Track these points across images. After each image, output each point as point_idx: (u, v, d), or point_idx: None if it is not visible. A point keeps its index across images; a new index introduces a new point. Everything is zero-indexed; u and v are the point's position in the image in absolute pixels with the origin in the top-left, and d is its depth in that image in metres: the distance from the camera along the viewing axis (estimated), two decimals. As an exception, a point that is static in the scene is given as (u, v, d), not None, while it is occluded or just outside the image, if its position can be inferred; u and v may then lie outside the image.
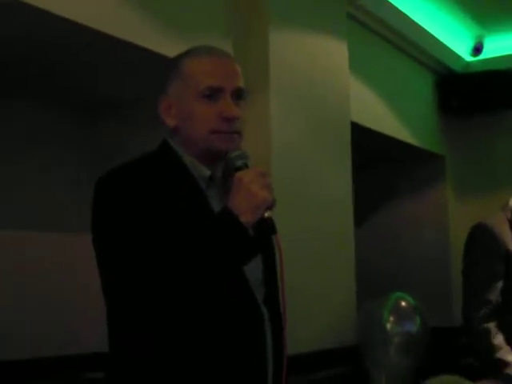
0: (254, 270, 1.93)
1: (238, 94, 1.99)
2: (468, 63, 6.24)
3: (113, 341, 1.91)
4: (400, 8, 5.16)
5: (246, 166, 1.92)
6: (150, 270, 1.74)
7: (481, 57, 6.14)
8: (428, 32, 5.60)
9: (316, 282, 3.97)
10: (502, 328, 3.30)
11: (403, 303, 3.95)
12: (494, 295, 3.33)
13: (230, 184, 1.93)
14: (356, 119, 4.69)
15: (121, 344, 1.88)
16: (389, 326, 3.84)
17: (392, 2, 5.05)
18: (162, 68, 2.08)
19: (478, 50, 6.07)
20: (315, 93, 4.17)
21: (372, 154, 5.84)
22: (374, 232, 6.24)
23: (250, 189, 1.82)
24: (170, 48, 3.34)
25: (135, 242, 1.77)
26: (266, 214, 1.84)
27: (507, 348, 3.26)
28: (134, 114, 4.31)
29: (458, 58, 6.15)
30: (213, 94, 1.94)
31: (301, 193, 3.96)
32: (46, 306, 4.04)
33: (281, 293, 1.93)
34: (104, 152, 4.35)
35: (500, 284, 3.34)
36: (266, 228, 1.85)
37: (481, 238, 3.44)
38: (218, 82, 1.95)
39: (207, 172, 1.97)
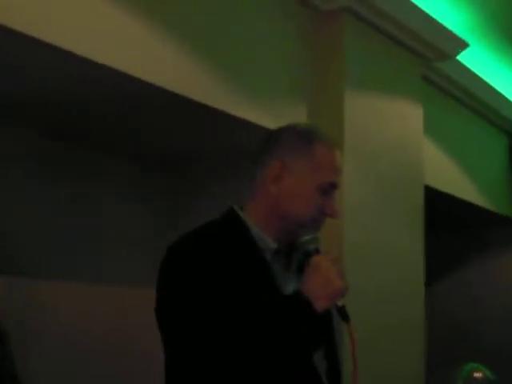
0: None
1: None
2: (543, 127, 6.15)
3: None
4: (474, 70, 5.15)
5: (317, 250, 1.93)
6: (217, 350, 1.73)
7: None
8: (504, 96, 5.59)
9: (384, 342, 3.90)
10: None
11: (478, 374, 3.84)
12: None
13: (294, 263, 1.98)
14: (430, 182, 4.65)
15: None
16: (463, 398, 3.75)
17: (467, 65, 5.04)
18: (272, 132, 2.09)
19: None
20: (388, 156, 4.15)
21: (446, 216, 5.77)
22: (451, 291, 6.15)
23: (327, 276, 1.83)
24: (243, 110, 3.38)
25: (203, 321, 1.75)
26: (340, 303, 1.84)
27: None
28: (198, 171, 4.37)
29: (533, 120, 6.07)
30: (329, 188, 1.98)
31: (372, 256, 3.92)
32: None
33: (352, 380, 1.90)
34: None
35: None
36: (340, 316, 1.86)
37: None
38: (337, 179, 2.00)
39: (274, 245, 1.96)
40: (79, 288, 3.92)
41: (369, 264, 3.87)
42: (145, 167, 4.37)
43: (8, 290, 3.58)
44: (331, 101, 3.86)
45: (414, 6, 4.12)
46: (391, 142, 4.19)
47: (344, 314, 1.86)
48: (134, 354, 4.09)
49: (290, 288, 1.93)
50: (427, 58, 4.50)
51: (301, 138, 2.01)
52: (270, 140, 2.05)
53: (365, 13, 3.91)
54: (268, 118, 3.44)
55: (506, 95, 5.61)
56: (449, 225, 6.08)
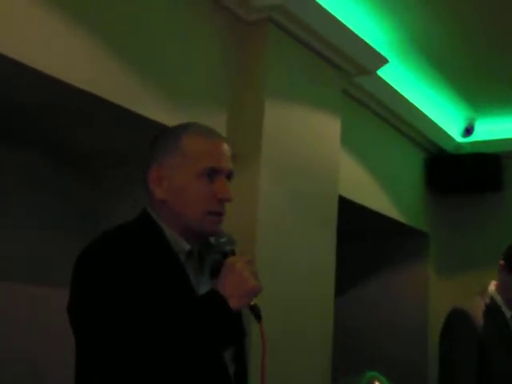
0: None
1: (230, 176, 2.04)
2: (459, 144, 6.34)
3: None
4: (395, 87, 5.27)
5: (233, 252, 1.98)
6: (129, 350, 1.74)
7: (471, 139, 6.24)
8: (421, 112, 5.72)
9: (293, 352, 3.96)
10: None
11: (377, 383, 3.93)
12: (471, 382, 3.34)
13: (206, 265, 2.02)
14: (344, 193, 4.74)
15: None
16: (361, 405, 3.82)
17: (388, 82, 5.15)
18: (154, 136, 2.10)
19: (468, 131, 6.17)
20: (305, 165, 4.21)
21: (358, 227, 5.88)
22: (353, 303, 6.25)
23: (242, 275, 1.87)
24: (164, 115, 3.41)
25: (117, 318, 1.76)
26: (252, 302, 1.89)
27: None
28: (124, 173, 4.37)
29: (450, 138, 6.25)
30: (211, 174, 1.98)
31: (283, 263, 3.97)
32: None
33: (260, 381, 1.95)
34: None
35: (474, 370, 3.36)
36: (253, 314, 1.90)
37: (457, 323, 3.46)
38: (217, 163, 2.00)
39: (187, 246, 1.99)
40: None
41: (280, 278, 3.92)
42: (63, 167, 4.34)
43: None
44: (251, 110, 3.91)
45: (337, 21, 4.20)
46: (308, 153, 4.26)
47: (257, 313, 1.91)
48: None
49: (202, 289, 1.96)
50: (348, 72, 4.59)
51: (169, 135, 2.06)
52: (150, 146, 2.08)
53: (288, 25, 3.98)
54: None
55: (424, 111, 5.74)
56: (361, 234, 6.18)
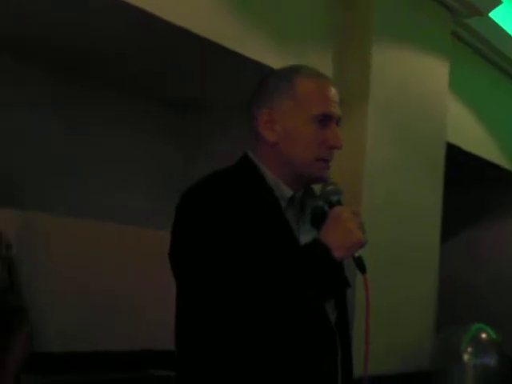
0: None
1: (338, 122, 1.97)
2: None
3: (183, 358, 1.89)
4: (507, 30, 5.06)
5: (339, 201, 1.91)
6: (235, 295, 1.72)
7: None
8: (532, 55, 5.48)
9: (398, 299, 3.93)
10: None
11: (483, 335, 3.86)
12: None
13: (307, 212, 1.96)
14: (452, 140, 4.62)
15: (191, 363, 1.86)
16: (466, 357, 3.76)
17: (500, 24, 4.95)
18: (262, 78, 2.03)
19: None
20: (413, 110, 4.12)
21: (465, 174, 5.74)
22: (459, 251, 6.15)
23: (347, 226, 1.81)
24: (270, 57, 3.36)
25: (219, 266, 1.74)
26: (357, 254, 1.84)
27: None
28: (219, 115, 4.37)
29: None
30: (323, 120, 1.92)
31: (390, 210, 3.93)
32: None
33: (365, 334, 1.90)
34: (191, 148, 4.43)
35: None
36: (357, 267, 1.85)
37: None
38: (330, 109, 1.93)
39: (289, 192, 1.93)
40: (89, 225, 3.94)
41: (387, 218, 3.87)
42: (165, 109, 4.36)
43: (17, 224, 3.59)
44: (357, 51, 3.82)
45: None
46: (416, 95, 4.16)
47: (361, 265, 1.85)
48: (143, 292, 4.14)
49: (303, 237, 1.92)
50: (458, 13, 4.42)
51: (281, 78, 1.97)
52: (256, 90, 2.01)
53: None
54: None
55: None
56: (467, 183, 6.05)
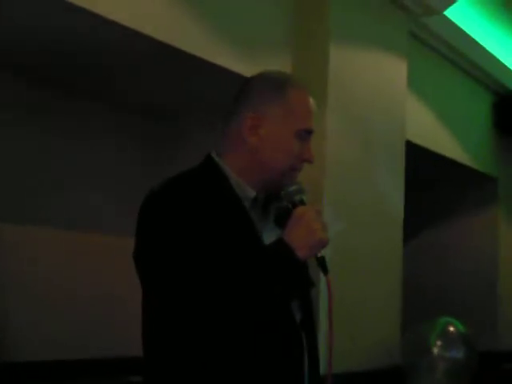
0: None
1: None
2: (528, 85, 6.14)
3: (150, 362, 1.89)
4: (463, 28, 5.12)
5: (302, 201, 1.94)
6: (199, 296, 1.73)
7: (541, 79, 6.04)
8: (489, 52, 5.54)
9: (362, 298, 3.95)
10: None
11: (451, 328, 3.90)
12: None
13: (271, 213, 1.99)
14: (411, 138, 4.65)
15: (159, 368, 1.86)
16: (436, 350, 3.80)
17: (454, 21, 5.00)
18: (246, 82, 2.05)
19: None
20: (372, 110, 4.15)
21: (426, 173, 5.78)
22: (422, 251, 6.18)
23: (310, 226, 1.84)
24: (229, 61, 3.39)
25: (184, 267, 1.75)
26: (320, 254, 1.86)
27: None
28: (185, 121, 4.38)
29: (518, 78, 6.06)
30: (305, 134, 1.98)
31: (352, 209, 3.94)
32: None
33: (328, 331, 1.93)
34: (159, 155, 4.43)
35: None
36: (320, 267, 1.88)
37: None
38: (312, 124, 2.00)
39: (252, 193, 1.96)
40: (57, 234, 3.94)
41: (349, 226, 3.88)
42: (131, 116, 4.36)
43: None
44: (316, 53, 3.84)
45: (402, -40, 4.08)
46: (375, 95, 4.19)
47: (323, 266, 1.88)
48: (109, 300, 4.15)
49: (266, 237, 1.93)
50: (414, 12, 4.47)
51: (273, 85, 1.99)
52: (243, 90, 2.03)
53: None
54: (252, 70, 3.43)
55: (493, 53, 5.57)
56: (429, 180, 6.09)
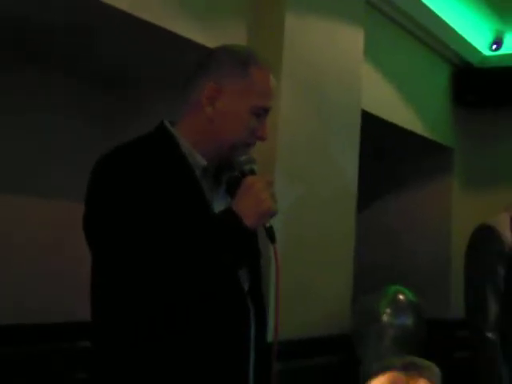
0: None
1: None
2: (485, 57, 6.17)
3: (97, 328, 1.91)
4: (420, -2, 5.13)
5: (252, 171, 1.95)
6: (146, 263, 1.75)
7: (499, 52, 6.08)
8: (447, 23, 5.55)
9: (314, 268, 3.97)
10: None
11: (401, 296, 3.93)
12: (498, 301, 3.30)
13: (222, 182, 2.02)
14: (367, 107, 4.66)
15: (106, 333, 1.88)
16: (385, 317, 3.84)
17: (412, -9, 5.01)
18: (210, 54, 2.08)
19: (497, 44, 6.01)
20: (327, 79, 4.14)
21: (381, 142, 5.80)
22: (375, 220, 6.22)
23: (259, 196, 1.87)
24: (183, 28, 3.36)
25: (132, 234, 1.77)
26: (268, 224, 1.87)
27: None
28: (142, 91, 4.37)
29: (476, 51, 6.09)
30: (262, 112, 2.01)
31: (306, 179, 3.95)
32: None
33: (275, 300, 1.96)
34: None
35: (500, 287, 3.32)
36: (268, 236, 1.91)
37: (483, 239, 3.41)
38: (270, 103, 2.03)
39: (203, 162, 1.98)
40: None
41: (301, 198, 3.88)
42: (83, 84, 4.31)
43: None
44: (271, 22, 3.82)
45: None
46: (331, 64, 4.18)
47: (271, 235, 1.92)
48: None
49: (217, 206, 1.95)
50: (371, -20, 4.46)
51: (237, 60, 2.02)
52: (206, 61, 2.04)
53: None
54: (208, 38, 3.42)
55: (450, 23, 5.58)
56: (384, 149, 6.10)
